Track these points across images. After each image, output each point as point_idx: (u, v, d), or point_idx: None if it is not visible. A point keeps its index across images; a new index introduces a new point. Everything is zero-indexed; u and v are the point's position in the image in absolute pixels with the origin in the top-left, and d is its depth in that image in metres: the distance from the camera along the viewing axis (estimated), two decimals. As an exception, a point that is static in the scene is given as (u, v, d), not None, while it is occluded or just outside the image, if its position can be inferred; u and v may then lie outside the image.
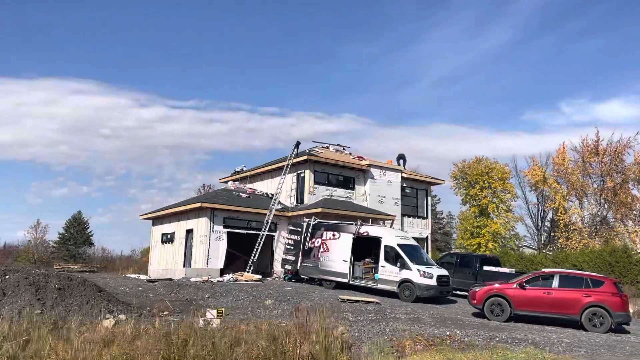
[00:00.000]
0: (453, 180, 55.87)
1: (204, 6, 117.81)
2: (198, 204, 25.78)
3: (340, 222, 23.34)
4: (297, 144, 28.35)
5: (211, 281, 22.86)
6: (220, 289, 20.76)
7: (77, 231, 63.48)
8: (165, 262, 28.96)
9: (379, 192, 30.28)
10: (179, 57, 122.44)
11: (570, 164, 47.94)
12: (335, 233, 22.40)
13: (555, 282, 16.45)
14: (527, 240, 55.87)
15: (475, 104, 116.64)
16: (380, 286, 20.79)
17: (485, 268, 21.76)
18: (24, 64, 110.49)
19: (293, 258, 23.57)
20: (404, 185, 32.07)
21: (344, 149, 33.55)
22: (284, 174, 28.10)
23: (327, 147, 33.31)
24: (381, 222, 28.29)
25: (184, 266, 26.79)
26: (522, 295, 16.52)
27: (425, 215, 33.05)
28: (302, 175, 28.55)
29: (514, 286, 16.74)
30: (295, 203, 28.63)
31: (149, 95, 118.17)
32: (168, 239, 29.32)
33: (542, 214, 53.04)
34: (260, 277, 24.02)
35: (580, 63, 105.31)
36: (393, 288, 20.35)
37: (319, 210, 25.86)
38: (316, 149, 30.61)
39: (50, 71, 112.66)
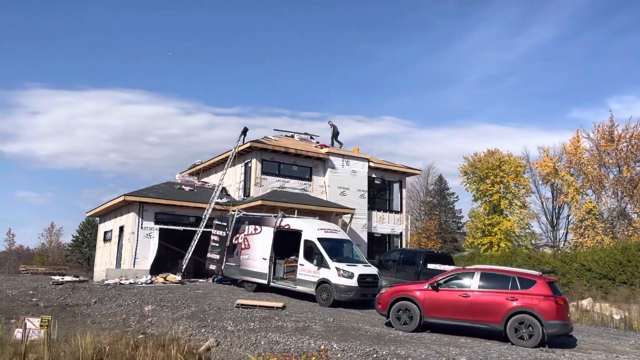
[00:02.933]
0: (463, 175, 52.09)
1: (243, 13, 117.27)
2: (122, 198, 23.26)
3: (264, 214, 20.35)
4: (244, 131, 25.50)
5: (121, 284, 20.28)
6: (116, 292, 18.18)
7: (91, 234, 63.10)
8: (105, 263, 26.62)
9: (341, 183, 27.06)
10: (223, 64, 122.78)
11: (584, 154, 43.33)
12: (257, 227, 19.43)
13: (475, 282, 13.01)
14: (543, 238, 51.43)
15: (519, 103, 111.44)
16: (299, 288, 17.72)
17: (430, 266, 18.32)
18: (75, 76, 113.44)
19: (218, 257, 20.72)
20: (373, 175, 28.73)
21: (311, 137, 30.54)
22: (227, 165, 25.32)
23: (292, 136, 30.38)
24: (336, 216, 25.12)
25: (116, 267, 24.35)
26: (435, 299, 13.16)
27: (399, 209, 29.58)
28: (249, 165, 25.70)
29: (426, 287, 13.39)
30: (242, 196, 25.80)
31: (194, 104, 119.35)
32: (107, 237, 27.01)
33: (557, 209, 48.47)
34: (180, 278, 21.28)
35: (627, 59, 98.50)
36: (311, 290, 17.26)
37: (259, 202, 22.97)
38: (271, 137, 27.72)
39: (101, 82, 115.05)
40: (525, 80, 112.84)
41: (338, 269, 16.68)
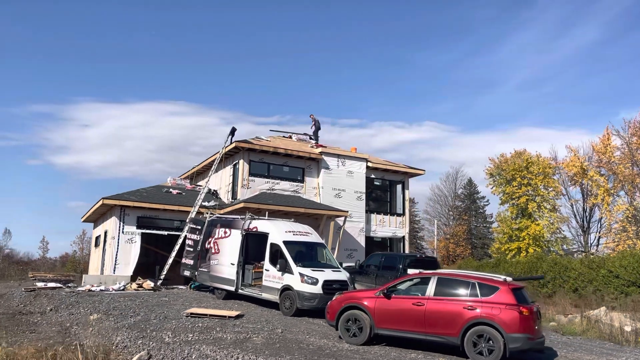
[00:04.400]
0: (489, 177, 49.79)
1: (279, 22, 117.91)
2: (101, 202, 22.50)
3: (234, 216, 19.13)
4: (232, 131, 24.42)
5: (91, 290, 19.41)
6: (75, 300, 17.24)
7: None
8: (94, 268, 25.99)
9: (336, 184, 25.63)
10: (262, 74, 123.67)
11: (615, 152, 40.44)
12: (227, 230, 18.24)
13: (431, 289, 11.40)
14: (575, 243, 48.42)
15: (563, 106, 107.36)
16: (264, 295, 16.41)
17: (410, 272, 16.62)
18: (123, 90, 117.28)
19: (192, 262, 19.62)
20: (373, 176, 27.18)
21: (310, 138, 29.22)
22: (214, 167, 24.30)
23: (290, 137, 29.19)
24: (328, 219, 23.69)
25: (101, 273, 23.60)
26: (386, 308, 11.62)
27: (401, 212, 27.87)
28: (237, 166, 24.59)
29: (377, 294, 11.85)
30: (230, 199, 24.71)
31: (236, 113, 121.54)
32: (97, 243, 26.39)
33: (588, 212, 45.47)
34: (153, 285, 20.23)
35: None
36: (275, 297, 15.91)
37: (241, 205, 21.80)
38: (262, 137, 26.57)
39: (147, 95, 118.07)
40: (569, 82, 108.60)
41: (302, 275, 15.29)
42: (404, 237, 27.49)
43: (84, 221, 28.65)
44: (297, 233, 17.03)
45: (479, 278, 11.28)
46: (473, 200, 71.56)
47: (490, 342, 10.41)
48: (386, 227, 27.11)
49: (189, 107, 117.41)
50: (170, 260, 21.87)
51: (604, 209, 40.76)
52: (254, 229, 17.34)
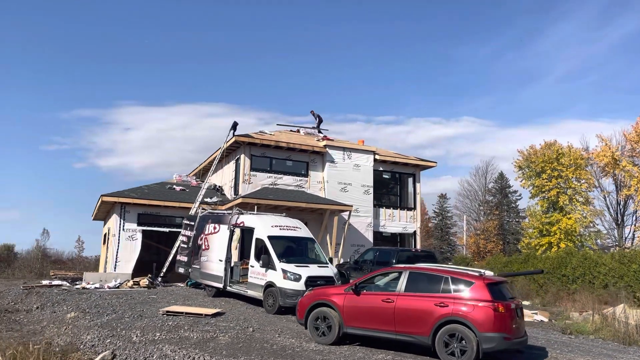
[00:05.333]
0: (518, 170, 48.08)
1: (318, 19, 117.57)
2: (100, 200, 22.34)
3: (224, 212, 18.60)
4: (234, 125, 23.98)
5: (85, 288, 19.23)
6: (62, 297, 17.03)
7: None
8: (102, 266, 25.97)
9: (342, 178, 24.84)
10: (297, 71, 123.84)
11: (649, 141, 38.16)
12: (216, 226, 17.73)
13: (402, 284, 10.56)
14: (609, 237, 46.24)
15: (608, 97, 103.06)
16: (249, 292, 15.82)
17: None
18: (164, 93, 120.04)
19: (186, 259, 19.21)
20: (381, 169, 26.25)
21: (319, 132, 28.49)
22: (214, 163, 23.93)
23: (297, 131, 28.54)
24: (331, 214, 22.93)
25: (104, 270, 23.53)
26: (355, 305, 10.82)
27: (411, 206, 26.84)
28: (239, 161, 24.09)
29: (346, 290, 11.07)
30: (233, 195, 24.24)
31: (273, 113, 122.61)
32: (104, 240, 26.36)
33: (622, 205, 43.22)
34: (148, 282, 19.90)
35: None
36: (259, 294, 15.30)
37: (239, 201, 21.29)
38: (266, 132, 25.99)
39: (187, 98, 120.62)
40: (613, 72, 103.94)
41: (284, 271, 14.61)
42: (415, 232, 26.46)
43: (94, 219, 28.69)
44: (284, 228, 16.36)
45: (453, 272, 10.37)
46: (505, 195, 69.40)
47: (463, 342, 9.53)
48: (396, 221, 26.16)
49: (228, 108, 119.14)
50: (170, 258, 21.58)
51: (638, 201, 38.65)
52: (241, 224, 16.77)
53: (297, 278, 14.41)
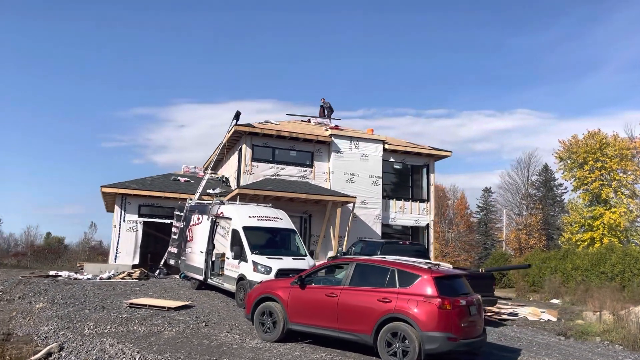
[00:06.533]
0: (559, 161, 45.71)
1: (364, 11, 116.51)
2: (102, 190, 22.25)
3: (208, 202, 18.04)
4: (237, 115, 23.36)
5: (76, 279, 19.14)
6: (44, 288, 16.89)
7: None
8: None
9: (348, 168, 23.87)
10: (346, 67, 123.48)
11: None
12: (200, 216, 17.21)
13: (348, 277, 9.65)
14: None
15: None
16: (225, 285, 15.20)
17: (388, 259, 14.66)
18: (216, 90, 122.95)
19: (176, 250, 18.80)
20: (391, 159, 25.10)
21: (330, 121, 27.62)
22: (217, 153, 23.49)
23: (308, 121, 27.76)
24: (334, 205, 22.03)
25: (109, 261, 23.48)
26: (299, 299, 9.97)
27: (424, 198, 25.55)
28: (242, 152, 23.53)
29: (292, 283, 10.22)
30: (236, 186, 23.70)
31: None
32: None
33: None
34: (139, 273, 19.59)
35: None
36: (233, 287, 14.65)
37: (236, 192, 20.75)
38: (272, 121, 25.32)
39: (238, 95, 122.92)
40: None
41: (255, 263, 13.89)
42: (428, 224, 25.17)
43: (107, 211, 28.83)
44: (263, 218, 15.62)
45: (400, 265, 9.36)
46: (550, 188, 66.36)
47: (406, 341, 8.55)
48: (407, 214, 24.98)
49: (278, 104, 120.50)
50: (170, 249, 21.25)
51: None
52: (221, 214, 16.16)
53: (268, 270, 13.65)
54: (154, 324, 11.58)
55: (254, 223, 15.26)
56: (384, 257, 10.53)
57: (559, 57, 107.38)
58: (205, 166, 29.09)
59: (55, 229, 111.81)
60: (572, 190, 46.06)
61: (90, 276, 19.61)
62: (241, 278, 14.18)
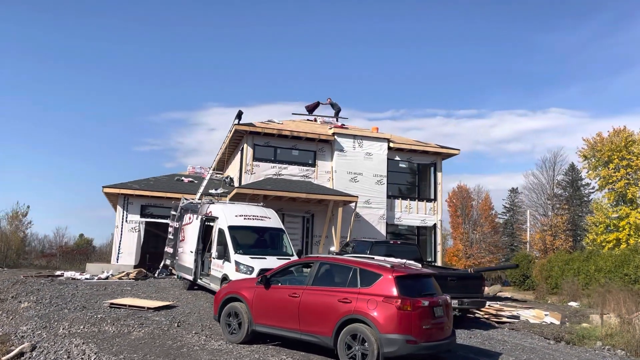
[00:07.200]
0: (583, 159, 44.46)
1: (392, 12, 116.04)
2: (104, 190, 22.31)
3: (199, 201, 17.84)
4: (239, 114, 23.15)
5: (74, 279, 19.19)
6: (37, 287, 16.91)
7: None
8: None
9: (352, 167, 23.43)
10: (374, 67, 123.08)
11: None
12: (191, 216, 17.05)
13: (311, 277, 9.27)
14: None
15: None
16: (212, 285, 14.96)
17: (378, 259, 14.19)
18: (245, 94, 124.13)
19: (172, 250, 18.67)
20: (397, 158, 24.55)
21: (337, 120, 27.23)
22: (219, 153, 23.37)
23: (315, 120, 27.43)
24: (335, 205, 21.63)
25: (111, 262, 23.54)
26: (264, 299, 9.63)
27: (431, 197, 24.90)
28: (243, 152, 23.34)
29: (257, 283, 9.88)
30: (239, 185, 23.51)
31: (350, 111, 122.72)
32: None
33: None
34: (136, 274, 19.51)
35: None
36: (218, 287, 14.37)
37: (235, 192, 20.55)
38: (275, 120, 25.05)
39: (268, 98, 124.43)
40: None
41: (237, 263, 13.62)
42: (435, 225, 24.52)
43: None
44: (250, 217, 15.34)
45: (363, 264, 8.94)
46: (576, 188, 64.53)
47: (365, 344, 8.13)
48: (413, 213, 24.39)
49: (300, 107, 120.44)
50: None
51: None
52: (209, 214, 15.93)
53: (250, 270, 13.35)
54: (126, 324, 11.39)
55: (240, 222, 14.99)
56: (355, 256, 10.10)
57: (593, 54, 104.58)
58: (213, 167, 29.03)
59: (88, 230, 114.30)
60: (597, 190, 44.74)
61: (88, 276, 19.65)
62: (225, 278, 13.91)
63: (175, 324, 11.42)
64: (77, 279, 19.26)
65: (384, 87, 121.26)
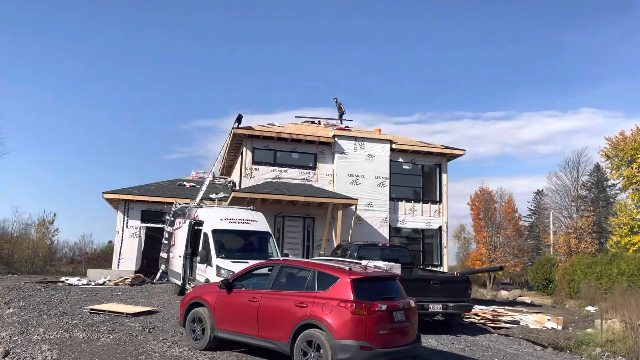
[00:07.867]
0: (605, 159, 43.16)
1: (414, 14, 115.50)
2: (104, 196, 22.36)
3: (188, 205, 17.62)
4: (238, 118, 23.05)
5: (70, 284, 19.18)
6: (29, 294, 16.91)
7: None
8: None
9: (353, 170, 22.99)
10: (401, 71, 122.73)
11: None
12: (181, 220, 16.88)
13: (271, 280, 8.91)
14: None
15: None
16: (197, 290, 14.68)
17: (364, 262, 13.73)
18: (271, 102, 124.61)
19: (166, 255, 18.53)
20: (400, 160, 24.02)
21: (341, 122, 26.84)
22: (218, 157, 23.20)
23: (318, 122, 27.10)
24: (334, 208, 21.22)
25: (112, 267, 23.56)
26: (226, 304, 9.30)
27: (437, 199, 24.26)
28: (242, 155, 23.13)
29: (220, 287, 9.55)
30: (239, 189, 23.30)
31: (377, 115, 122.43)
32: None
33: None
34: (132, 279, 19.42)
35: None
36: (202, 293, 14.11)
37: (231, 196, 20.34)
38: (276, 124, 24.79)
39: (291, 105, 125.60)
40: None
41: (218, 267, 13.34)
42: (440, 227, 23.88)
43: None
44: (235, 221, 15.05)
45: (322, 267, 8.54)
46: (602, 189, 62.81)
47: (319, 351, 7.73)
48: (418, 216, 23.80)
49: (329, 112, 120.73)
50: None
51: None
52: (197, 218, 15.71)
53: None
54: (97, 330, 11.19)
55: (225, 226, 14.72)
56: (320, 259, 9.71)
57: (625, 53, 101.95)
58: (216, 171, 28.92)
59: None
60: (621, 191, 43.33)
61: (85, 282, 19.62)
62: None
63: (147, 330, 11.17)
64: (74, 285, 19.24)
65: (410, 90, 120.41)
